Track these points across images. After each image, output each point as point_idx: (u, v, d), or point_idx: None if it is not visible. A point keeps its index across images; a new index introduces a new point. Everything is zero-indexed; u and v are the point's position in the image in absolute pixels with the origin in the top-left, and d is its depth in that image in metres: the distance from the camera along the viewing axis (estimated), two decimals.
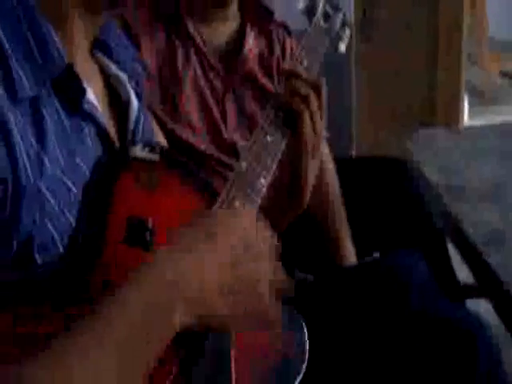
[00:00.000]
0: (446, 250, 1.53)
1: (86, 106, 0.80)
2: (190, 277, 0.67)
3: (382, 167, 1.65)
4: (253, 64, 1.43)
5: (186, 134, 1.36)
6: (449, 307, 1.10)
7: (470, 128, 2.79)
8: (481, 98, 4.02)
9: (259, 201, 0.91)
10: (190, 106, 1.36)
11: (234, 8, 1.42)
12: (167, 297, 0.66)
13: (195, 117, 1.37)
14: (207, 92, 1.38)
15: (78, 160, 0.78)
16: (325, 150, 1.48)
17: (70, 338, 0.62)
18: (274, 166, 0.96)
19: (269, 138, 0.97)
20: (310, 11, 1.18)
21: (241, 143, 1.38)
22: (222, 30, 1.41)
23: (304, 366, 0.82)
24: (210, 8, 1.39)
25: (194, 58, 1.37)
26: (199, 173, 0.90)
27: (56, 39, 0.76)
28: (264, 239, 0.75)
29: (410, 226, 1.51)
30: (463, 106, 2.87)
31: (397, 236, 1.50)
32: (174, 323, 0.66)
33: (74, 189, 0.76)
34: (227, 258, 0.71)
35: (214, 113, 1.39)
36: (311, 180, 1.04)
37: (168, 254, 0.69)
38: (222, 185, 0.89)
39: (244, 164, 0.92)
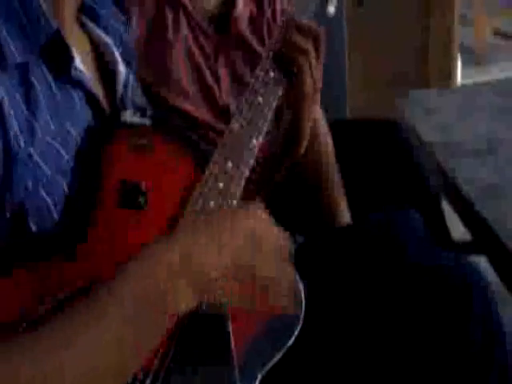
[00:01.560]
0: (441, 209, 1.54)
1: (74, 73, 0.80)
2: (191, 259, 0.67)
3: (376, 129, 1.65)
4: (243, 27, 1.42)
5: (178, 101, 1.35)
6: (445, 258, 1.10)
7: (463, 86, 2.78)
8: (474, 60, 4.01)
9: (252, 162, 0.91)
10: (181, 71, 1.36)
11: None
12: (168, 278, 0.65)
13: (188, 83, 1.36)
14: (198, 56, 1.37)
15: (68, 126, 0.78)
16: (318, 112, 1.48)
17: (62, 323, 0.61)
18: (266, 127, 0.96)
19: (260, 99, 0.97)
20: None
21: (233, 106, 1.37)
22: None
23: (300, 322, 0.82)
24: None
25: (183, 21, 1.36)
26: (191, 136, 0.91)
27: (43, 6, 0.76)
28: (271, 235, 0.73)
29: (405, 186, 1.51)
30: (457, 67, 2.86)
31: (391, 197, 1.50)
32: (176, 306, 0.65)
33: (65, 155, 0.76)
34: (231, 244, 0.69)
35: (206, 77, 1.38)
36: (309, 124, 1.10)
37: (170, 237, 0.69)
38: (213, 150, 0.90)
39: (236, 125, 0.93)
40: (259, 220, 0.73)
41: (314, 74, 1.05)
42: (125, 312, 0.63)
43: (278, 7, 1.48)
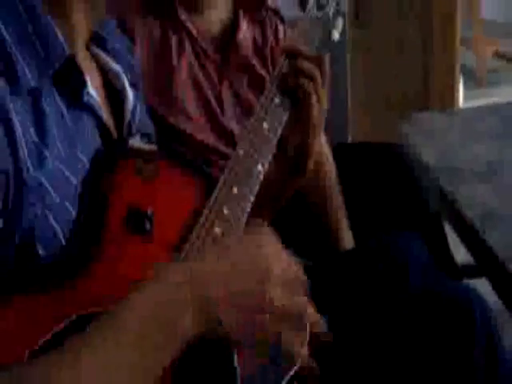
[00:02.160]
0: (443, 232, 1.54)
1: (85, 98, 0.81)
2: (199, 284, 0.67)
3: (377, 152, 1.66)
4: (247, 51, 1.44)
5: (183, 125, 1.36)
6: (447, 284, 1.11)
7: (464, 109, 2.79)
8: (476, 82, 4.02)
9: (257, 188, 0.92)
10: (186, 95, 1.37)
11: None
12: (175, 302, 0.66)
13: (192, 106, 1.38)
14: (203, 81, 1.39)
15: (78, 152, 0.78)
16: (322, 136, 1.49)
17: (80, 341, 0.62)
18: (271, 153, 0.97)
19: (265, 125, 0.98)
20: (303, 0, 1.19)
21: (238, 131, 1.39)
22: (215, 18, 1.42)
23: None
24: None
25: (188, 47, 1.38)
26: (196, 161, 0.91)
27: (57, 31, 0.77)
28: (281, 261, 0.73)
29: (407, 209, 1.52)
30: (458, 90, 2.87)
31: (394, 220, 1.51)
32: (183, 331, 0.65)
33: (74, 181, 0.77)
34: (238, 272, 0.70)
35: (211, 101, 1.39)
36: (315, 151, 1.09)
37: (181, 262, 0.70)
38: (219, 174, 0.90)
39: (241, 151, 0.93)
40: (268, 246, 0.73)
41: (320, 99, 1.05)
42: (130, 336, 0.63)
43: (281, 31, 1.50)
